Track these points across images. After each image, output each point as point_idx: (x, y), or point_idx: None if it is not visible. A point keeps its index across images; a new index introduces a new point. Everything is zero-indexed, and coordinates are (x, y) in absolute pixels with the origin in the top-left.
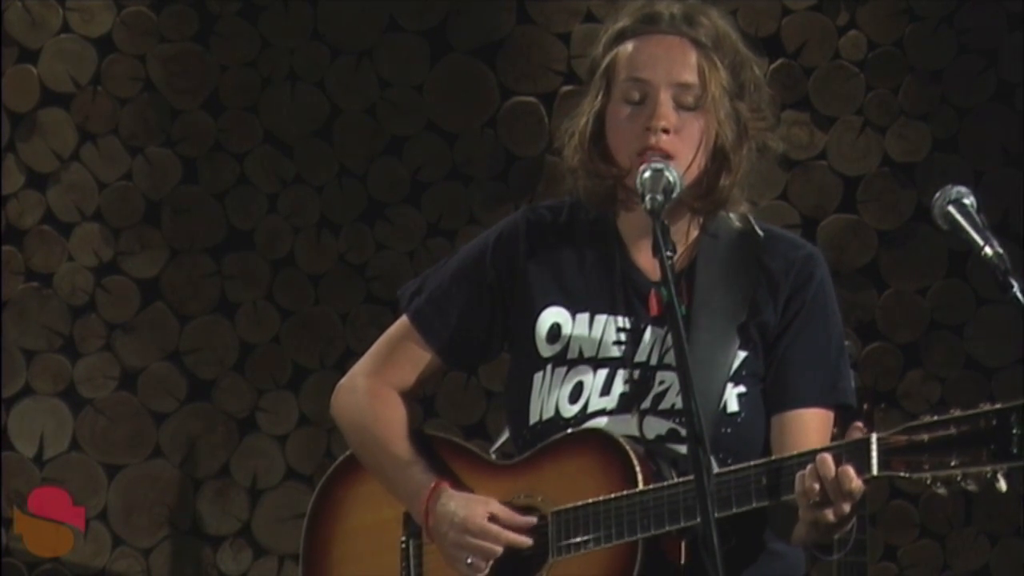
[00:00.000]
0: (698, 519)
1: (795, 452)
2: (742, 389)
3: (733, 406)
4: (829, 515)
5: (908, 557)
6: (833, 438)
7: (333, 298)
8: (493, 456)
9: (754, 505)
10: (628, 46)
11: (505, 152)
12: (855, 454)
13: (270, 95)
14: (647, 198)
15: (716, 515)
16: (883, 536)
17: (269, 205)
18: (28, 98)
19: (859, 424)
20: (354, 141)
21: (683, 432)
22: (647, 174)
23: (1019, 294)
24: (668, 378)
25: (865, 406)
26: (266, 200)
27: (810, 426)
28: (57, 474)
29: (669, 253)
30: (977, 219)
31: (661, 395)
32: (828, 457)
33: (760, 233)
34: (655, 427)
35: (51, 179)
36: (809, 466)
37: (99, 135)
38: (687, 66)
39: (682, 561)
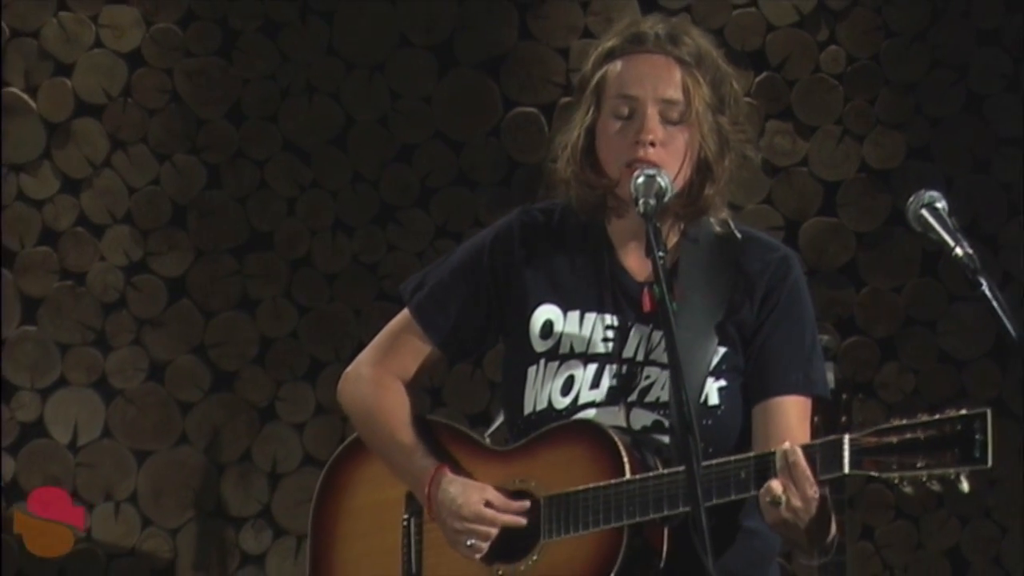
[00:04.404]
0: (680, 508)
1: (776, 438)
2: (722, 383)
3: (714, 399)
4: (795, 500)
5: (884, 537)
6: (813, 428)
7: (347, 295)
8: (488, 441)
9: (732, 497)
10: (617, 64)
11: (508, 159)
12: (828, 453)
13: (289, 106)
14: (640, 202)
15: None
16: (861, 518)
17: (288, 209)
18: (63, 109)
19: None
20: (367, 149)
21: (667, 423)
22: (640, 180)
23: (988, 291)
24: (653, 373)
25: (844, 396)
26: (285, 204)
27: (791, 413)
28: (90, 459)
29: (661, 253)
30: (948, 222)
31: (647, 389)
32: (797, 447)
33: (738, 235)
34: (641, 418)
35: (84, 184)
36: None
37: (129, 143)
38: (672, 83)
39: (664, 546)
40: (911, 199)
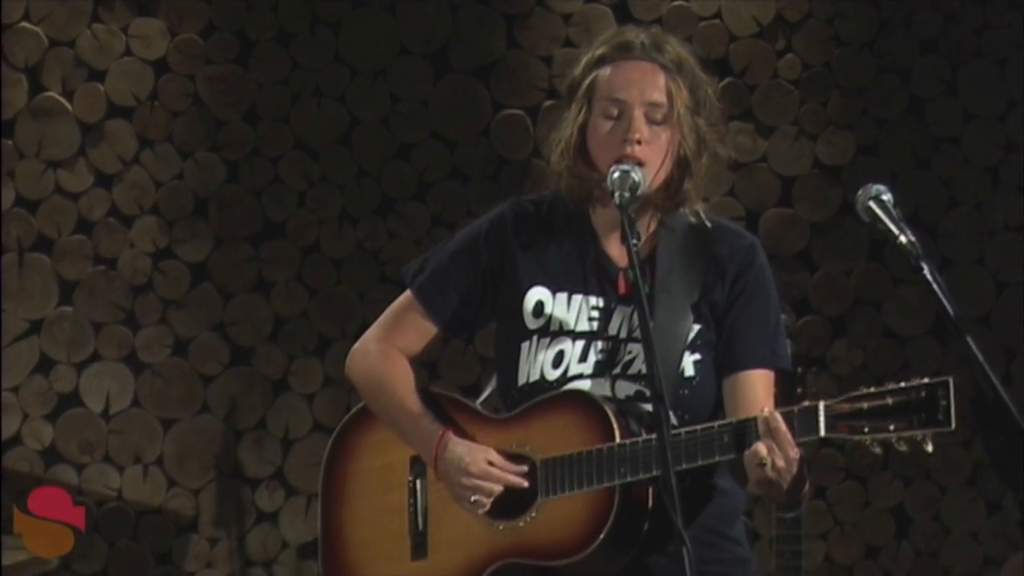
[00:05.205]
0: None
1: (745, 406)
2: (697, 357)
3: (690, 371)
4: (779, 461)
5: (835, 496)
6: (775, 397)
7: (353, 279)
8: (479, 407)
9: (716, 459)
10: (607, 70)
11: (497, 156)
12: (805, 418)
13: (299, 108)
14: (616, 194)
15: (685, 465)
16: (814, 478)
17: (299, 201)
18: (96, 111)
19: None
20: (370, 147)
21: (648, 393)
22: (616, 175)
23: (929, 275)
24: (635, 349)
25: (799, 369)
26: (296, 196)
27: (757, 384)
28: (121, 427)
29: (635, 241)
30: (893, 212)
31: (629, 363)
32: (777, 413)
33: (708, 224)
34: (625, 389)
35: (116, 179)
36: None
37: (156, 142)
38: (657, 88)
39: (650, 503)
40: (860, 192)
